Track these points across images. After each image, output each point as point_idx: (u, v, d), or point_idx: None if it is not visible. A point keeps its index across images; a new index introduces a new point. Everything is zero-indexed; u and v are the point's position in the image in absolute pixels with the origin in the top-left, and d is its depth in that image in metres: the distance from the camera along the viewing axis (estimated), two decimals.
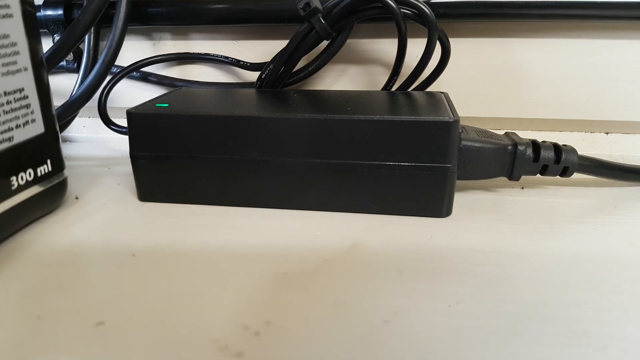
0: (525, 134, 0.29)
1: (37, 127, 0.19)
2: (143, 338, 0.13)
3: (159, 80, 0.31)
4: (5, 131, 0.18)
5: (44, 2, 0.29)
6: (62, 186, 0.21)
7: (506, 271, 0.16)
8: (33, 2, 0.19)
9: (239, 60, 0.29)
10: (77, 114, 0.28)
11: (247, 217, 0.21)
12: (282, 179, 0.21)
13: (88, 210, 0.22)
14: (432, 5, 0.24)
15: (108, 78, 0.27)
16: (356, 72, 0.29)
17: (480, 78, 0.28)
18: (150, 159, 0.21)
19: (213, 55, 0.30)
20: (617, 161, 0.23)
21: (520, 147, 0.21)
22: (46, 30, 0.29)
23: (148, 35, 0.31)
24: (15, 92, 0.18)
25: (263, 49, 0.30)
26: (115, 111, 0.30)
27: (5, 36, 0.17)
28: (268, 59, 0.28)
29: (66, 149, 0.31)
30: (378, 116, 0.19)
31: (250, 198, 0.21)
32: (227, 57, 0.30)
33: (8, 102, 0.18)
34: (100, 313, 0.14)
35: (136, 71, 0.30)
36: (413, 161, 0.20)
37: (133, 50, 0.31)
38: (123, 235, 0.19)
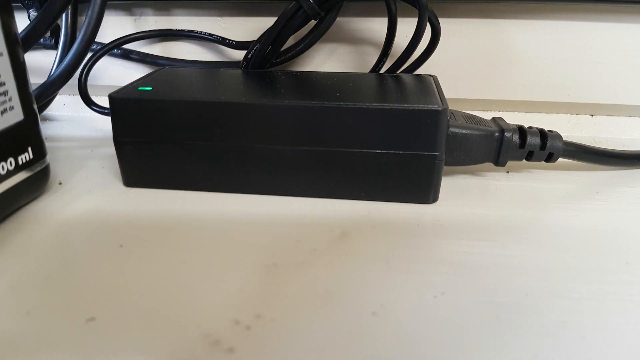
0: (512, 116, 0.30)
1: (16, 115, 0.18)
2: (135, 335, 0.13)
3: (141, 58, 0.30)
4: None
5: None
6: (44, 173, 0.21)
7: (489, 260, 0.17)
8: None
9: (224, 38, 0.29)
10: (56, 94, 0.27)
11: (235, 204, 0.20)
12: (269, 166, 0.21)
13: (72, 196, 0.21)
14: None
15: (88, 56, 0.26)
16: (345, 52, 0.29)
17: (469, 60, 0.28)
18: (134, 145, 0.21)
19: (197, 33, 0.29)
20: (601, 144, 0.23)
21: (507, 134, 0.21)
22: (20, 4, 0.28)
23: (128, 10, 0.30)
24: None
25: (249, 27, 0.29)
26: (97, 89, 0.30)
27: None
28: (254, 37, 0.27)
29: (46, 129, 0.30)
30: (367, 104, 0.19)
31: (237, 184, 0.21)
32: (211, 35, 0.29)
33: None
34: (91, 308, 0.14)
35: (117, 48, 0.29)
36: (401, 149, 0.20)
37: (113, 27, 0.30)
38: (110, 224, 0.19)
